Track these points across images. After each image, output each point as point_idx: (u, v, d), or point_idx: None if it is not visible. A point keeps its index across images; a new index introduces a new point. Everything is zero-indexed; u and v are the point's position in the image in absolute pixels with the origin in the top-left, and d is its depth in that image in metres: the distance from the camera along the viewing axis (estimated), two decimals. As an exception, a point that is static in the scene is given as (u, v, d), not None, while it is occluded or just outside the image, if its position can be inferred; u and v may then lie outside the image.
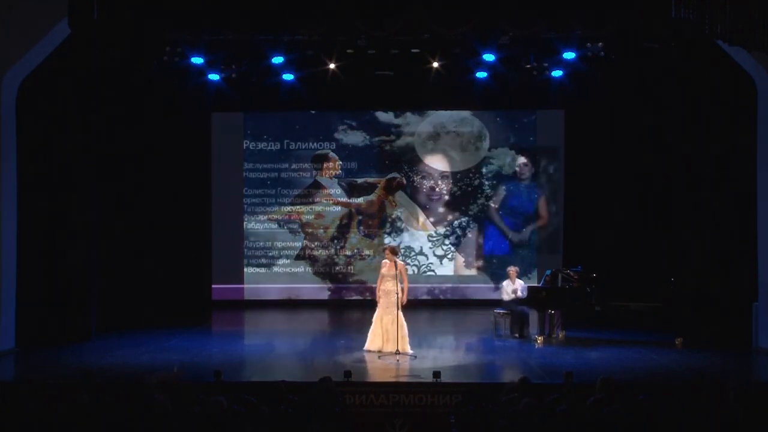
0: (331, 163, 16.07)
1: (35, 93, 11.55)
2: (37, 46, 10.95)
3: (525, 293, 12.18)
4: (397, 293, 10.61)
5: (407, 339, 10.72)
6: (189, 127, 15.43)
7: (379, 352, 10.62)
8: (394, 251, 11.03)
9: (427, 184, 15.97)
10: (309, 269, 16.08)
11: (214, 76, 14.15)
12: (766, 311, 11.16)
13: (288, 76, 14.27)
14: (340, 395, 8.10)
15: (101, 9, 7.73)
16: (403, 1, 9.65)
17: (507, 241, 15.90)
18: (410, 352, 10.61)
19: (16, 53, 10.96)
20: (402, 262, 10.95)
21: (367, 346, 10.81)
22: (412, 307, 13.62)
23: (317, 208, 16.08)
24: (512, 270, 12.51)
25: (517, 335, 12.09)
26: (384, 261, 10.97)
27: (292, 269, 16.09)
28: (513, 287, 12.26)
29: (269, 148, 16.14)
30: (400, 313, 10.64)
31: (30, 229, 11.58)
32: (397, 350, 10.40)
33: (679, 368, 10.05)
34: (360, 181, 16.05)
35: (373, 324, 10.87)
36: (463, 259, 16.02)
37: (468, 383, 9.02)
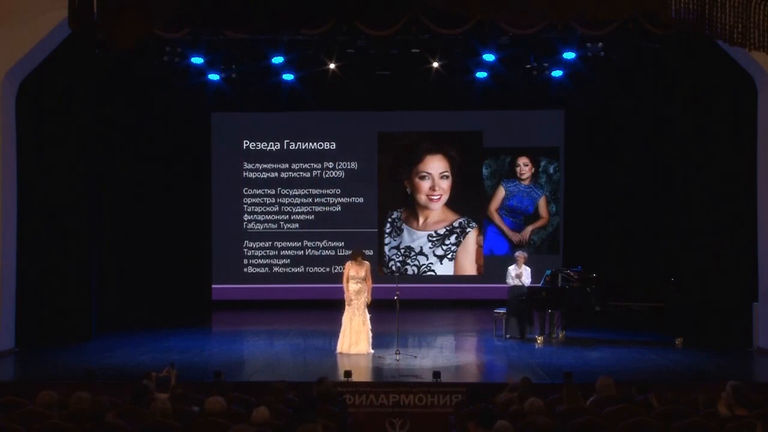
0: (331, 163, 16.08)
1: (35, 93, 11.55)
2: (37, 46, 10.95)
3: (530, 280, 12.13)
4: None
5: (371, 338, 10.92)
6: (189, 127, 15.44)
7: (345, 353, 10.73)
8: (363, 253, 11.30)
9: (427, 184, 15.98)
10: (309, 269, 16.08)
11: (214, 76, 14.16)
12: (766, 311, 11.16)
13: (288, 76, 14.28)
14: (339, 395, 8.11)
15: (101, 9, 7.71)
16: (403, 2, 9.64)
17: (507, 241, 15.90)
18: (372, 351, 10.79)
19: (16, 53, 10.96)
20: (367, 262, 11.07)
21: (339, 348, 10.87)
22: (412, 307, 13.69)
23: (317, 208, 16.08)
24: (520, 255, 12.30)
25: (511, 336, 12.03)
26: (350, 262, 10.97)
27: (292, 269, 16.09)
28: (518, 272, 12.14)
29: (269, 148, 16.14)
30: (367, 313, 10.88)
31: (30, 229, 11.58)
32: (397, 350, 10.44)
33: (679, 368, 10.05)
34: (360, 181, 16.05)
35: (342, 325, 10.90)
36: (463, 259, 16.01)
37: (468, 383, 9.01)
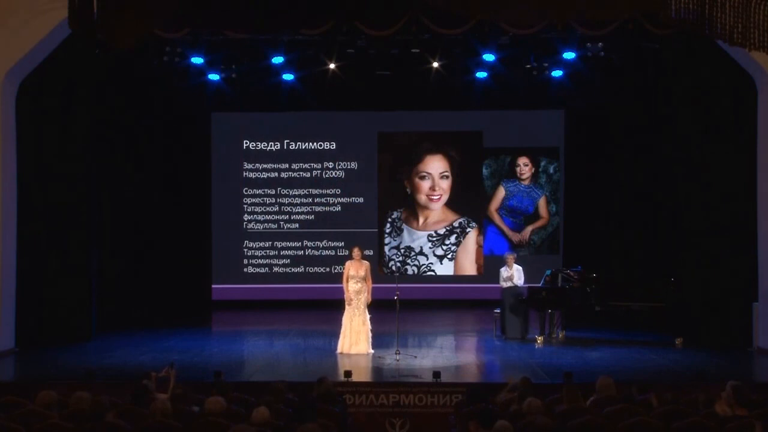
0: (331, 163, 16.08)
1: (35, 93, 11.55)
2: (37, 46, 10.95)
3: (522, 280, 12.12)
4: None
5: (370, 338, 10.88)
6: (189, 127, 15.45)
7: (345, 353, 10.72)
8: (361, 250, 11.22)
9: (427, 184, 15.98)
10: (309, 269, 16.08)
11: (214, 76, 14.16)
12: (766, 311, 11.16)
13: (288, 76, 14.29)
14: (339, 395, 8.11)
15: (101, 9, 7.71)
16: (403, 2, 9.64)
17: (507, 241, 15.89)
18: (372, 351, 10.76)
19: (16, 53, 10.96)
20: (367, 262, 11.04)
21: (339, 348, 10.86)
22: (412, 307, 13.68)
23: (317, 208, 16.08)
24: (509, 256, 12.31)
25: (511, 337, 12.01)
26: (350, 262, 10.94)
27: (292, 269, 16.09)
28: (509, 274, 12.13)
29: (269, 148, 16.14)
30: (367, 313, 10.85)
31: (30, 229, 11.58)
32: (397, 350, 10.44)
33: (679, 368, 10.05)
34: (360, 181, 16.05)
35: (342, 326, 10.89)
36: (463, 259, 16.01)
37: (468, 383, 9.01)
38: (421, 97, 15.16)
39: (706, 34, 7.19)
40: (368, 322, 10.85)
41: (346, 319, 10.87)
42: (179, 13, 8.53)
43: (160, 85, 14.30)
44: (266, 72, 14.06)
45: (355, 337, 10.77)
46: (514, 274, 12.08)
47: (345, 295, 10.88)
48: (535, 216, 15.95)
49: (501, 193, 15.99)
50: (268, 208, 16.13)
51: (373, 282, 10.99)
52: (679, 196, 12.46)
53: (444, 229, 16.04)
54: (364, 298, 10.82)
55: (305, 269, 16.10)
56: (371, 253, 15.60)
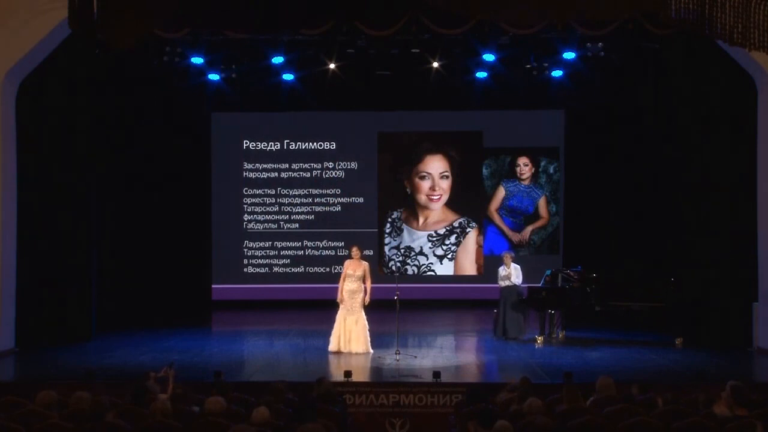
0: (331, 163, 16.08)
1: (35, 93, 11.55)
2: (37, 46, 10.95)
3: (521, 279, 12.12)
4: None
5: (368, 338, 10.84)
6: (189, 127, 15.44)
7: (338, 352, 10.72)
8: (360, 249, 11.16)
9: (427, 184, 15.98)
10: (309, 269, 16.08)
11: (214, 76, 14.17)
12: (766, 311, 11.16)
13: (288, 76, 14.29)
14: (339, 395, 8.11)
15: (101, 9, 7.71)
16: (403, 2, 9.64)
17: (507, 241, 15.89)
18: (372, 351, 10.74)
19: (16, 53, 10.96)
20: (366, 262, 11.01)
21: (330, 347, 10.85)
22: (412, 307, 13.68)
23: (317, 208, 16.09)
24: (507, 255, 12.29)
25: (501, 336, 12.01)
26: (348, 261, 10.92)
27: (292, 269, 16.09)
28: (506, 273, 12.11)
29: (269, 148, 16.14)
30: (363, 313, 10.81)
31: (30, 229, 11.57)
32: (397, 350, 10.43)
33: (679, 368, 10.05)
34: (360, 181, 16.05)
35: (335, 324, 10.87)
36: (463, 259, 16.01)
37: (468, 383, 9.01)
38: (421, 97, 15.16)
39: (706, 34, 7.19)
40: (363, 321, 10.80)
41: (339, 317, 10.84)
42: (179, 13, 8.52)
43: (160, 85, 14.30)
44: (266, 72, 14.07)
45: (347, 336, 10.75)
46: (512, 273, 12.07)
47: (338, 294, 10.85)
48: (535, 216, 15.95)
49: (501, 193, 15.99)
50: (268, 208, 16.13)
51: (373, 282, 10.96)
52: (679, 196, 12.46)
53: (444, 229, 16.04)
54: (360, 298, 10.78)
55: (305, 269, 16.10)
56: (371, 253, 15.59)
